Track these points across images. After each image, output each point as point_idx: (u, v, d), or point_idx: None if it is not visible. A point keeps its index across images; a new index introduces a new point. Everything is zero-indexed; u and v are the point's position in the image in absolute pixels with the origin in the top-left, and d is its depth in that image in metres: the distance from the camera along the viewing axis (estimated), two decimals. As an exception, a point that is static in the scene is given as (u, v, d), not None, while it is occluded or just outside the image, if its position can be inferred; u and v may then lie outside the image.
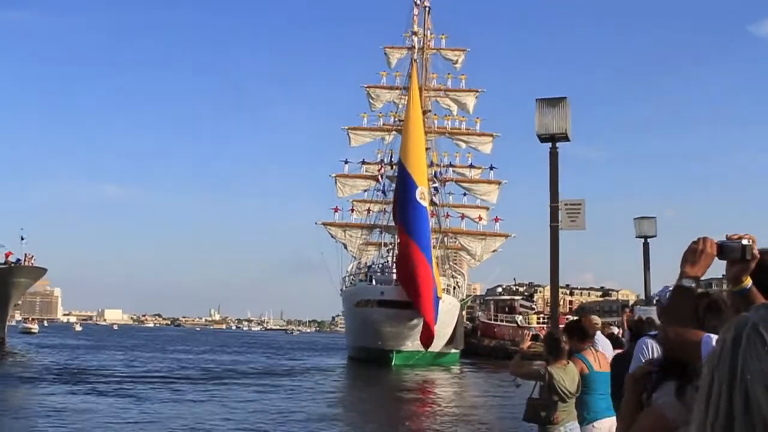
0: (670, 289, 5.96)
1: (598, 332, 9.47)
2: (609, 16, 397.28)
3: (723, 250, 2.90)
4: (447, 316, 54.46)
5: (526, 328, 72.27)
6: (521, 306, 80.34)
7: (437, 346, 54.40)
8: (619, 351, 9.42)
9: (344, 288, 64.36)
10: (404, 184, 52.00)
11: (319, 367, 49.46)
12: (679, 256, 2.96)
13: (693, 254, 2.95)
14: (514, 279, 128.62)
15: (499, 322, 75.42)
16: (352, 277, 64.64)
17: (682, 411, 3.38)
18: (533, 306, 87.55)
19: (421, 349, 51.66)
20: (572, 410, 7.28)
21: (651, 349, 5.48)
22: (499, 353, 68.10)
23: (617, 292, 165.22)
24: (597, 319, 11.50)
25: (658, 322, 11.45)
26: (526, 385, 7.99)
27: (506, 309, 78.58)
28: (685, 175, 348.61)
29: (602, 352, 7.94)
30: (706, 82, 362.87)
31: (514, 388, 8.52)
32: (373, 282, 57.23)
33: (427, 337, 50.68)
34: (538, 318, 77.10)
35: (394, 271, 54.90)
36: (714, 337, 2.54)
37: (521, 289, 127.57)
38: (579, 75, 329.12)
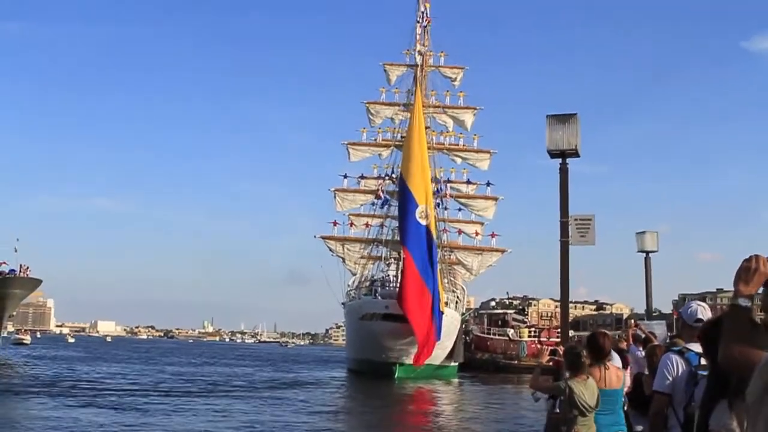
0: (692, 306, 6.05)
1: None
2: (607, 31, 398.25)
3: None
4: (448, 329, 54.70)
5: (518, 341, 72.78)
6: (513, 319, 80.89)
7: (438, 359, 54.69)
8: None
9: (347, 301, 64.83)
10: (405, 202, 52.34)
11: (320, 380, 49.83)
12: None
13: (746, 272, 2.94)
14: (507, 292, 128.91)
15: (491, 336, 75.74)
16: (355, 290, 65.13)
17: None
18: (525, 320, 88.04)
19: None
20: (591, 425, 7.34)
21: (676, 364, 5.52)
22: (491, 366, 68.59)
23: (611, 305, 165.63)
24: (609, 334, 11.58)
25: (660, 337, 11.49)
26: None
27: (499, 322, 79.05)
28: (677, 192, 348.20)
29: (614, 367, 7.98)
30: (698, 99, 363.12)
31: (532, 402, 8.58)
32: (377, 296, 57.67)
33: (417, 357, 51.23)
34: (530, 331, 77.52)
35: (397, 285, 55.20)
36: None
37: (515, 303, 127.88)
38: (575, 93, 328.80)
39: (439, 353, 54.02)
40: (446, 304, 56.24)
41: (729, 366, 2.97)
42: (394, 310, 51.46)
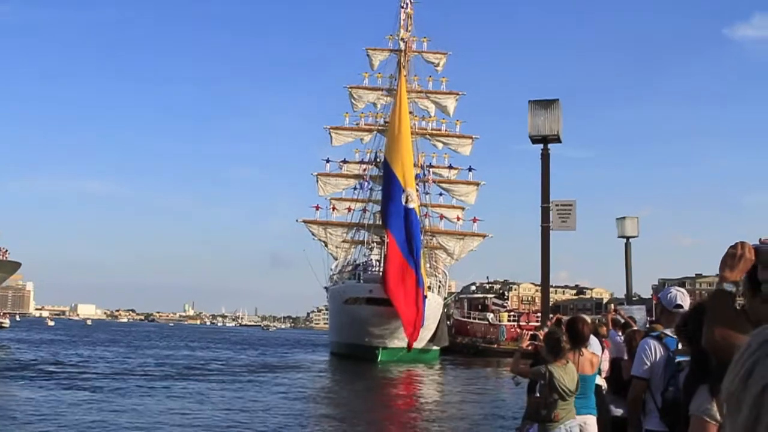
0: (672, 292, 6.10)
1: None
2: (593, 15, 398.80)
3: (760, 254, 2.96)
4: (430, 314, 55.06)
5: (497, 325, 73.26)
6: (493, 304, 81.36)
7: (421, 342, 55.09)
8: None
9: (330, 286, 65.13)
10: (389, 185, 52.41)
11: (303, 363, 49.99)
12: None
13: (732, 259, 2.98)
14: (487, 277, 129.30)
15: (471, 320, 76.22)
16: (337, 275, 65.44)
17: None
18: (505, 304, 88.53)
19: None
20: (572, 408, 7.37)
21: (654, 350, 5.58)
22: (470, 350, 69.03)
23: (591, 290, 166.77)
24: (588, 321, 11.64)
25: (640, 322, 11.58)
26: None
27: (479, 307, 79.48)
28: (659, 177, 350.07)
29: (590, 352, 8.02)
30: (681, 85, 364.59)
31: (513, 386, 8.64)
32: (361, 280, 58.08)
33: (410, 339, 51.71)
34: (509, 316, 78.03)
35: (381, 269, 55.47)
36: None
37: (496, 287, 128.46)
38: (560, 79, 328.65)
39: (421, 336, 54.42)
40: (429, 288, 56.63)
41: (711, 349, 3.01)
42: (378, 294, 51.88)
